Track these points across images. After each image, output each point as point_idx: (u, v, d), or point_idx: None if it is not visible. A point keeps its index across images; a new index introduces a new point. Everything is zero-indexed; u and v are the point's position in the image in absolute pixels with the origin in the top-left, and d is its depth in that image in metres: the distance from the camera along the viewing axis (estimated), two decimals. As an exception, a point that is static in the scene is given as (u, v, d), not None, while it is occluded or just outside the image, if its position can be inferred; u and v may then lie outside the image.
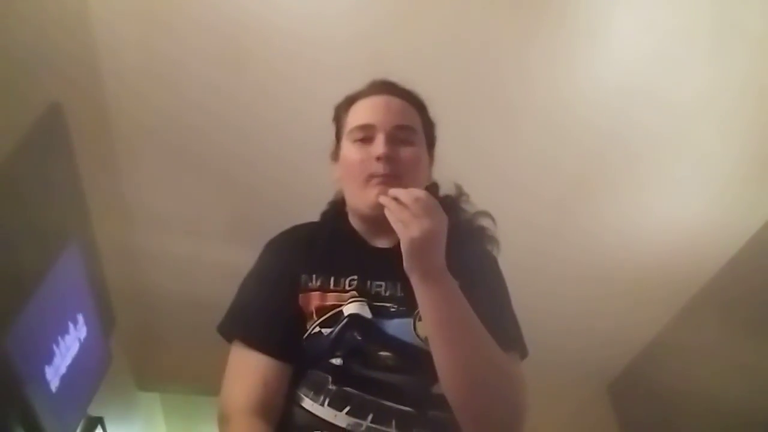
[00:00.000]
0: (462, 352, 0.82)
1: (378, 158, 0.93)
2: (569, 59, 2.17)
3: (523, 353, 0.95)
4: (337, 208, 1.10)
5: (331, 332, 0.89)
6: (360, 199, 0.96)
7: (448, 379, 0.82)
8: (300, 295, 0.94)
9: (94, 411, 2.50)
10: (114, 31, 2.10)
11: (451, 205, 1.05)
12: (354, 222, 1.04)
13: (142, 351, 3.32)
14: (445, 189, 1.11)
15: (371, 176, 0.94)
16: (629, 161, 2.51)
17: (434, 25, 2.09)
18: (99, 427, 2.60)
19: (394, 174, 0.93)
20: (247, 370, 0.89)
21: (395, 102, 1.01)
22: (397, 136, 0.96)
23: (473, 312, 0.84)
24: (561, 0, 2.04)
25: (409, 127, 0.99)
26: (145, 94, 2.28)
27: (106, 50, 2.15)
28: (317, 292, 0.94)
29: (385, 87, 1.04)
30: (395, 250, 0.85)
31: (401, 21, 2.08)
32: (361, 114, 1.00)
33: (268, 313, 0.94)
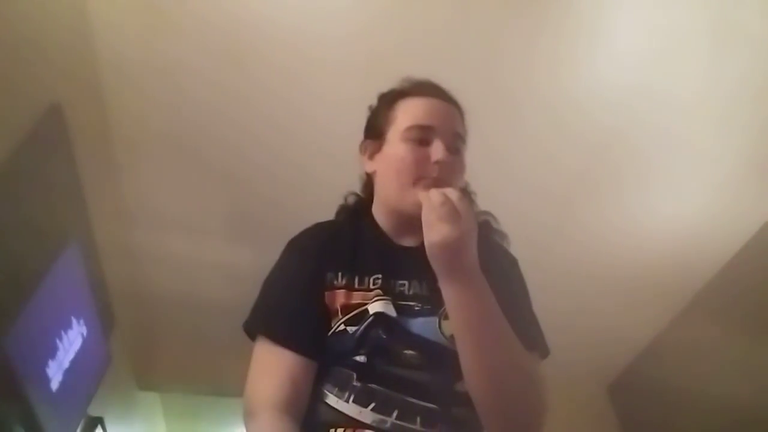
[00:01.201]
0: (488, 354, 0.82)
1: (436, 162, 0.94)
2: (572, 56, 2.17)
3: (543, 353, 0.96)
4: (360, 205, 1.10)
5: (356, 330, 0.90)
6: (403, 198, 0.95)
7: (473, 379, 0.83)
8: (326, 293, 0.94)
9: (94, 411, 2.50)
10: (114, 29, 2.09)
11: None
12: (380, 219, 1.04)
13: (142, 351, 3.32)
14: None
15: (421, 178, 0.94)
16: (632, 159, 2.51)
17: (436, 20, 2.09)
18: (99, 427, 2.60)
19: (445, 180, 0.93)
20: (275, 367, 0.88)
21: (453, 109, 1.02)
22: (452, 144, 0.97)
23: (501, 313, 0.84)
24: (564, -1, 2.05)
25: (462, 137, 1.00)
26: (145, 92, 2.27)
27: (106, 48, 2.14)
28: (342, 291, 0.94)
29: (439, 91, 1.04)
30: (420, 249, 0.85)
31: (402, 17, 2.08)
32: (420, 114, 0.99)
33: (295, 310, 0.93)
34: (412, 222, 0.90)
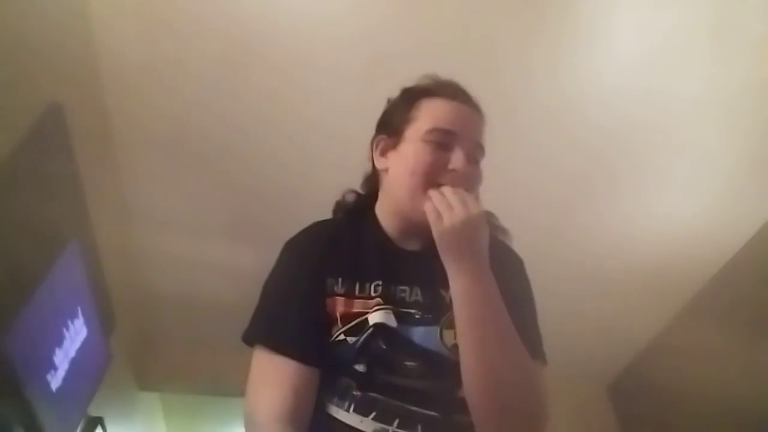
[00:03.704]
0: (489, 352, 0.81)
1: (453, 170, 0.91)
2: (570, 58, 2.17)
3: (544, 362, 0.94)
4: (360, 203, 1.06)
5: (356, 341, 0.87)
6: (412, 201, 0.91)
7: (472, 379, 0.81)
8: (326, 299, 0.92)
9: (94, 411, 2.50)
10: (114, 30, 2.09)
11: None
12: (384, 219, 1.00)
13: (142, 351, 3.32)
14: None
15: (435, 184, 0.90)
16: (630, 160, 2.51)
17: (436, 23, 2.09)
18: (99, 427, 2.60)
19: (464, 187, 0.89)
20: (277, 377, 0.85)
21: (477, 117, 0.99)
22: (472, 154, 0.94)
23: (507, 313, 0.82)
24: (562, 0, 2.04)
25: (482, 147, 0.96)
26: (145, 93, 2.27)
27: (106, 50, 2.14)
28: (342, 298, 0.92)
29: (466, 96, 1.01)
30: (424, 253, 0.86)
31: (403, 20, 2.08)
32: (444, 117, 0.95)
33: (296, 318, 0.90)
34: (419, 226, 0.88)
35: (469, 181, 0.92)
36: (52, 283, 1.90)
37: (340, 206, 1.10)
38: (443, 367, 0.85)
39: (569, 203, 2.68)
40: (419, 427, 0.83)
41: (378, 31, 2.09)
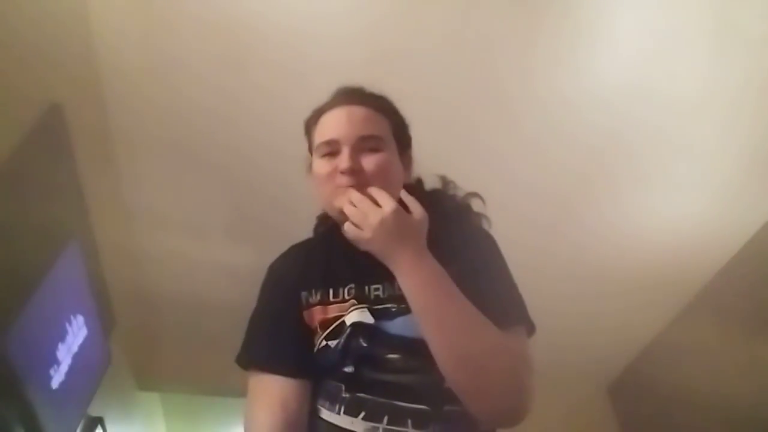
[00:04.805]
0: (451, 333, 0.83)
1: (342, 172, 0.95)
2: (570, 57, 2.17)
3: (529, 329, 0.93)
4: (328, 220, 1.10)
5: (338, 344, 0.91)
6: (332, 209, 0.98)
7: (443, 363, 0.83)
8: (304, 312, 0.97)
9: (94, 411, 2.50)
10: (114, 30, 2.09)
11: (438, 197, 1.09)
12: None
13: (142, 351, 3.32)
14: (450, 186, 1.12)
15: (338, 188, 0.95)
16: (631, 160, 2.50)
17: (436, 22, 2.09)
18: (99, 427, 2.60)
19: (359, 184, 0.94)
20: (265, 394, 0.90)
21: (358, 112, 1.01)
22: (363, 147, 0.97)
23: (459, 293, 0.85)
24: (563, 0, 2.04)
25: (374, 136, 0.99)
26: (145, 93, 2.27)
27: (106, 49, 2.14)
28: (318, 307, 0.96)
29: (348, 97, 1.04)
30: None
31: (403, 19, 2.07)
32: (325, 129, 1.01)
33: (273, 335, 0.96)
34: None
35: (373, 172, 0.95)
36: (52, 283, 1.90)
37: (319, 222, 1.17)
38: (425, 354, 0.85)
39: (570, 203, 2.68)
40: (409, 421, 0.84)
41: (378, 30, 2.09)
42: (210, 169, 2.56)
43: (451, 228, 1.00)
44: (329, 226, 1.09)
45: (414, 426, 0.84)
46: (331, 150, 0.98)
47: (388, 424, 0.84)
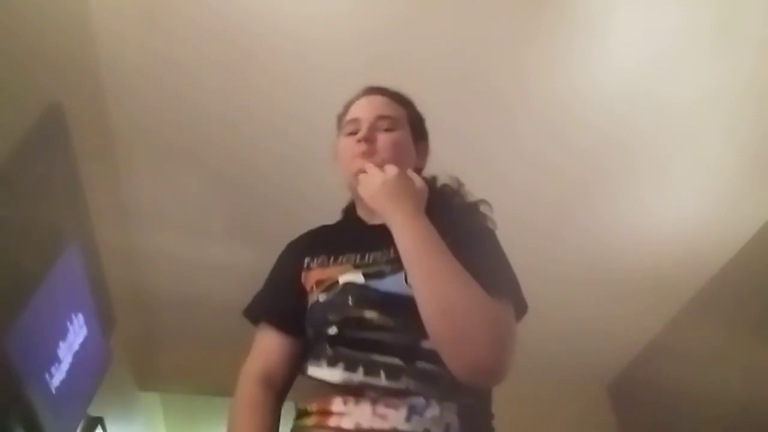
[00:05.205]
0: (435, 281, 0.87)
1: (359, 140, 1.08)
2: (568, 62, 2.17)
3: (519, 307, 0.95)
4: (350, 203, 1.22)
5: (327, 298, 0.99)
6: (349, 179, 1.09)
7: (426, 312, 0.86)
8: (303, 274, 1.06)
9: (94, 411, 2.50)
10: (114, 32, 2.10)
11: (447, 191, 1.17)
12: (358, 207, 1.16)
13: (142, 351, 3.32)
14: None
15: (355, 158, 1.08)
16: (628, 163, 2.51)
17: (434, 28, 2.09)
18: (99, 427, 2.60)
19: (371, 152, 1.07)
20: (256, 345, 1.03)
21: (378, 98, 1.16)
22: (379, 125, 1.10)
23: (450, 253, 0.89)
24: (559, 2, 2.04)
25: (389, 117, 1.12)
26: (144, 94, 2.28)
27: (105, 51, 2.15)
28: (318, 269, 1.05)
29: (372, 89, 1.19)
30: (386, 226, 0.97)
31: (401, 23, 2.08)
32: (351, 112, 1.16)
33: (272, 291, 1.10)
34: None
35: (384, 145, 1.08)
36: (52, 284, 1.90)
37: (346, 208, 1.26)
38: (408, 311, 0.89)
39: (567, 206, 2.69)
40: (382, 372, 0.89)
41: (376, 34, 2.09)
42: (209, 169, 2.56)
43: (453, 209, 1.09)
44: (346, 208, 1.22)
45: (387, 378, 0.89)
46: (354, 129, 1.11)
47: (363, 374, 0.90)
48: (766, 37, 2.06)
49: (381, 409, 0.86)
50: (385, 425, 0.85)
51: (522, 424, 1.86)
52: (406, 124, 1.15)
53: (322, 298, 0.99)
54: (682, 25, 2.06)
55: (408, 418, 0.85)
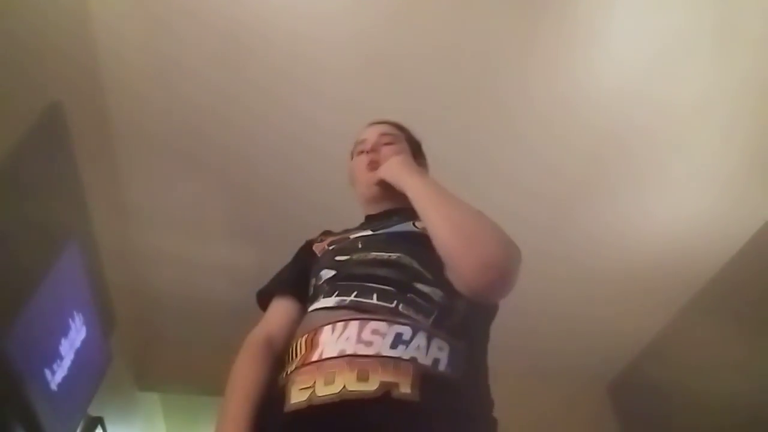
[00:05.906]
0: (447, 210, 0.98)
1: (365, 151, 1.25)
2: (569, 61, 2.17)
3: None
4: None
5: (338, 246, 1.09)
6: (363, 186, 1.24)
7: (438, 235, 0.95)
8: (316, 245, 1.18)
9: (94, 411, 2.50)
10: (114, 31, 2.10)
11: None
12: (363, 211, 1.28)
13: (142, 351, 3.32)
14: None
15: (363, 168, 1.23)
16: (629, 163, 2.51)
17: (434, 26, 2.09)
18: (99, 427, 2.60)
19: (377, 161, 1.22)
20: (265, 315, 1.09)
21: (380, 125, 1.33)
22: (381, 141, 1.27)
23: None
24: (561, 2, 2.04)
25: (390, 134, 1.29)
26: (144, 93, 2.28)
27: (106, 50, 2.15)
28: (331, 237, 1.17)
29: (375, 120, 1.35)
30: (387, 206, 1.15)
31: (401, 21, 2.08)
32: (358, 136, 1.33)
33: (284, 273, 1.18)
34: (377, 200, 1.20)
35: (381, 153, 1.24)
36: (52, 283, 1.90)
37: None
38: (410, 243, 1.02)
39: (569, 205, 2.69)
40: (374, 295, 0.93)
41: (376, 32, 2.09)
42: (209, 169, 2.56)
43: None
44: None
45: (379, 299, 0.92)
46: (362, 148, 1.28)
47: (355, 297, 0.94)
48: (766, 37, 2.06)
49: (367, 334, 0.87)
50: (370, 351, 0.85)
51: (522, 423, 1.85)
52: (405, 143, 1.30)
53: (332, 247, 1.10)
54: (683, 26, 2.06)
55: (393, 345, 0.85)
